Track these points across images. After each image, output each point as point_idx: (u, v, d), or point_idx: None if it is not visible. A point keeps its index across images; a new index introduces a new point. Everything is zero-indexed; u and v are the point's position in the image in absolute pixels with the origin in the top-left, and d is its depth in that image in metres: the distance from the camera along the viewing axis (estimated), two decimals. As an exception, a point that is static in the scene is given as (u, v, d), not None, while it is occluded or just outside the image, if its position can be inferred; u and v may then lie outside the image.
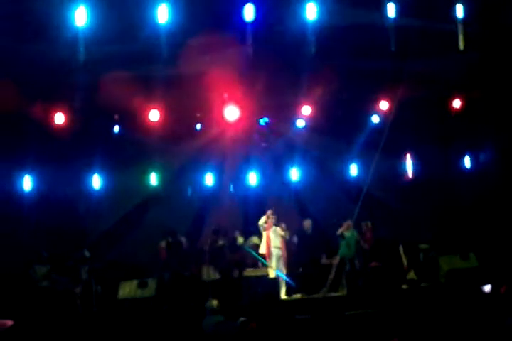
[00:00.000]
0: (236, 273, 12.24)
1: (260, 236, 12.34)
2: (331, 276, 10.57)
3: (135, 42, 11.19)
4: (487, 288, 9.22)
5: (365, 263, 12.18)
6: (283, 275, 11.68)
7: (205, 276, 12.12)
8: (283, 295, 11.71)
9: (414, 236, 12.78)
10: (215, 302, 8.57)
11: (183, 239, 12.72)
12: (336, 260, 11.47)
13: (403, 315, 7.28)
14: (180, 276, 12.12)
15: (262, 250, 12.07)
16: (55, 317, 9.63)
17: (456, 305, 8.29)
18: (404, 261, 12.16)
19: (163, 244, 12.54)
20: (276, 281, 11.63)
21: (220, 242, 12.68)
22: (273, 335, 7.50)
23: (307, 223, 12.71)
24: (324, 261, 12.43)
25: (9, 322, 5.88)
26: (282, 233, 12.02)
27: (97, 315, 10.62)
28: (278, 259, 11.94)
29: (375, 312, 9.28)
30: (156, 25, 11.11)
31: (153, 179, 13.95)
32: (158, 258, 12.61)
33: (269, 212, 12.08)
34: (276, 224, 12.08)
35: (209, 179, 14.57)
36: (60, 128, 12.62)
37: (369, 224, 12.64)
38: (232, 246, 12.75)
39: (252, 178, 14.64)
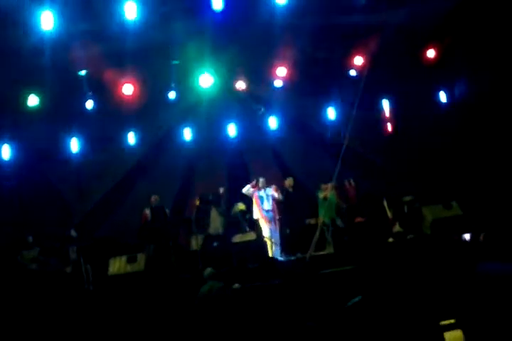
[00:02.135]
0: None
1: (244, 201, 12.44)
2: (316, 236, 10.70)
3: (103, 17, 11.08)
4: (467, 236, 9.37)
5: (350, 219, 12.29)
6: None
7: (194, 246, 12.30)
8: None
9: (397, 189, 12.86)
10: (209, 270, 8.79)
11: (167, 209, 12.67)
12: (320, 219, 11.55)
13: (390, 268, 7.41)
14: (166, 247, 12.14)
15: (256, 215, 12.09)
16: (47, 299, 9.77)
17: (441, 255, 8.45)
18: (389, 215, 12.22)
19: (147, 210, 12.46)
20: (264, 245, 11.72)
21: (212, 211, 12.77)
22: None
23: (289, 181, 12.58)
24: (309, 220, 12.43)
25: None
26: (277, 195, 11.99)
27: (89, 293, 10.75)
28: (270, 223, 11.91)
29: (362, 268, 9.44)
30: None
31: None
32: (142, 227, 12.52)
33: (261, 179, 12.05)
34: (267, 186, 12.04)
35: (187, 134, 14.50)
36: (34, 109, 12.52)
37: (352, 181, 12.69)
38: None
39: (231, 129, 14.68)
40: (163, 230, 12.28)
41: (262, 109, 14.52)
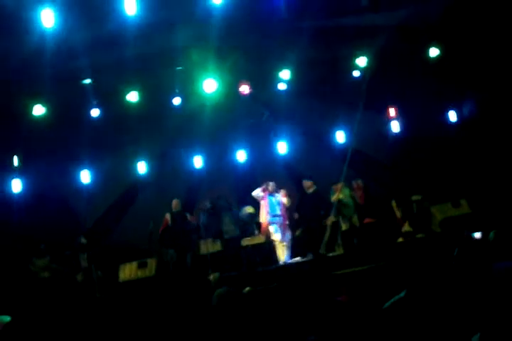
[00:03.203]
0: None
1: (254, 205, 12.36)
2: (326, 237, 10.67)
3: (103, 25, 11.08)
4: (477, 234, 9.30)
5: (360, 220, 12.19)
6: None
7: (203, 250, 12.29)
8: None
9: (405, 189, 12.81)
10: (216, 275, 8.72)
11: (187, 214, 12.67)
12: (330, 221, 11.51)
13: (401, 268, 7.34)
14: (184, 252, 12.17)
15: (262, 219, 11.97)
16: (59, 307, 9.77)
17: (450, 254, 8.39)
18: (398, 215, 12.20)
19: (167, 215, 12.44)
20: (273, 248, 11.68)
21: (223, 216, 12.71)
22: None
23: (307, 183, 12.42)
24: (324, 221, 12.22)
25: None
26: (285, 200, 11.88)
27: (100, 300, 10.74)
28: (279, 227, 11.79)
29: (372, 268, 9.40)
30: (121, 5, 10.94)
31: (140, 161, 13.95)
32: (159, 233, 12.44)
33: (271, 183, 11.92)
34: (277, 191, 11.95)
35: (197, 159, 14.33)
36: (40, 119, 12.55)
37: (360, 182, 12.58)
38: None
39: (240, 154, 14.45)
40: (183, 235, 12.25)
41: (266, 114, 14.47)
